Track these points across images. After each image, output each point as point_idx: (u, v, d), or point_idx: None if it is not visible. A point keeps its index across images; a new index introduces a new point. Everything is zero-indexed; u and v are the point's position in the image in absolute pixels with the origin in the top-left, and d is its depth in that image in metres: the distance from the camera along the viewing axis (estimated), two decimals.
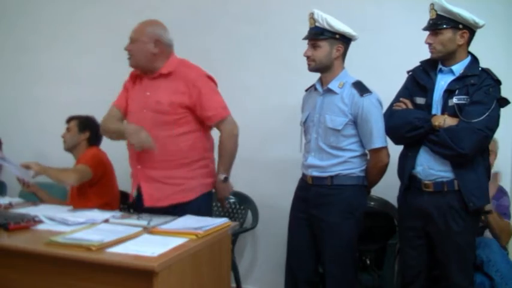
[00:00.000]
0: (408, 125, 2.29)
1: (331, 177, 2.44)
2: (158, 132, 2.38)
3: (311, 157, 2.51)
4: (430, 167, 2.27)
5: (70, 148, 2.96)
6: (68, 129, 2.97)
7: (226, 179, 2.49)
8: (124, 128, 2.44)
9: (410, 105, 2.35)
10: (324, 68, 2.48)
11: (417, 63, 2.43)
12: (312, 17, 2.45)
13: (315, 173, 2.48)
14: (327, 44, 2.44)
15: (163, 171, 2.41)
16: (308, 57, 2.47)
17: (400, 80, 2.48)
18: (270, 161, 3.36)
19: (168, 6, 3.59)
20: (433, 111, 2.30)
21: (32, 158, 2.88)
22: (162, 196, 2.41)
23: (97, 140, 3.01)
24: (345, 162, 2.44)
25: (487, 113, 2.17)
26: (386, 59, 3.01)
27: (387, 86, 2.46)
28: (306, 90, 2.67)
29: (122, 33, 2.55)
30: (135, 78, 2.55)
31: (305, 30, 2.50)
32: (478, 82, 2.23)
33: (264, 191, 3.33)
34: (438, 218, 2.25)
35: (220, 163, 2.48)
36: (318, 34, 2.43)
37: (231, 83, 3.44)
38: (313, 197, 2.50)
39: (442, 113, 2.27)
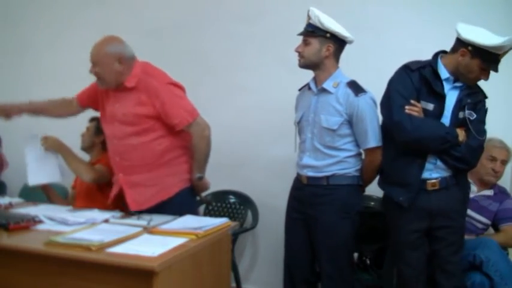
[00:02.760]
0: (441, 139, 2.26)
1: (327, 177, 2.44)
2: (132, 141, 2.42)
3: (306, 157, 2.51)
4: (436, 170, 2.32)
5: (85, 148, 2.90)
6: (87, 129, 2.92)
7: (200, 178, 2.51)
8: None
9: (421, 112, 2.30)
10: (313, 66, 2.49)
11: None
12: (308, 14, 2.46)
13: (311, 173, 2.48)
14: (317, 42, 2.44)
15: (143, 174, 2.45)
16: (299, 53, 2.49)
17: None
18: (270, 160, 3.35)
19: (166, 6, 3.59)
20: (443, 121, 2.30)
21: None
22: (145, 199, 2.44)
23: None
24: (340, 162, 2.44)
25: (486, 130, 2.30)
26: (387, 58, 2.98)
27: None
28: (299, 90, 2.66)
29: (122, 34, 2.54)
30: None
31: (302, 29, 2.50)
32: (481, 98, 2.33)
33: (264, 191, 3.33)
34: (445, 212, 2.30)
35: (194, 163, 2.50)
36: (309, 31, 2.45)
37: (228, 83, 3.45)
38: (308, 197, 2.50)
39: (453, 124, 2.29)
